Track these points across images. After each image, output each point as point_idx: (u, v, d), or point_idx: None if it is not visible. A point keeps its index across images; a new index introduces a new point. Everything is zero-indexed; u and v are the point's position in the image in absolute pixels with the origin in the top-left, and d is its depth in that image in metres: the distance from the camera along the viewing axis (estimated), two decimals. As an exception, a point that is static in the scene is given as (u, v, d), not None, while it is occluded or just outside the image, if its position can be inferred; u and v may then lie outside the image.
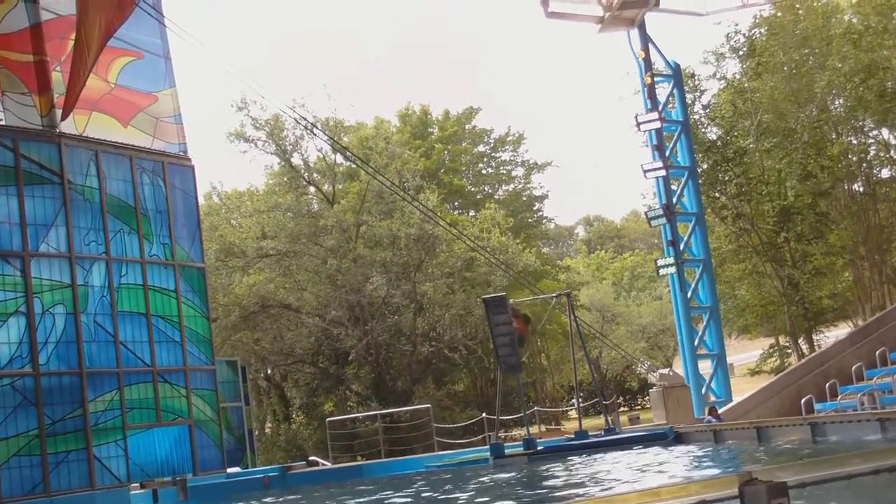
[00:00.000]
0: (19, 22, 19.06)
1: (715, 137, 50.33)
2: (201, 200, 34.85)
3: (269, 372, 54.49)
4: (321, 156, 51.85)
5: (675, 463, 18.42)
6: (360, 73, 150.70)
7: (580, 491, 15.14)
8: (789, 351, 51.92)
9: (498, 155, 70.25)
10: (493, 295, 26.74)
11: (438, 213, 46.18)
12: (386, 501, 17.42)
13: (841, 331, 48.35)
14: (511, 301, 27.21)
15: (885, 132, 48.90)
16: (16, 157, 18.10)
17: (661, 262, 37.45)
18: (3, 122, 18.43)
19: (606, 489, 14.52)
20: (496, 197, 66.79)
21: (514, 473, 20.10)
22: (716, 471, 16.18)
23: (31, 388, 17.56)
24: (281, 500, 19.83)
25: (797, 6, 47.48)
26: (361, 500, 18.56)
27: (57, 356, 18.07)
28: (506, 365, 25.75)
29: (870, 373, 31.47)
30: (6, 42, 19.01)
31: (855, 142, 48.55)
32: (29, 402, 17.50)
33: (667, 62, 38.86)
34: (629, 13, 37.70)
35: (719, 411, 31.25)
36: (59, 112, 19.01)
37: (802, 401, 30.91)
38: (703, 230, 38.59)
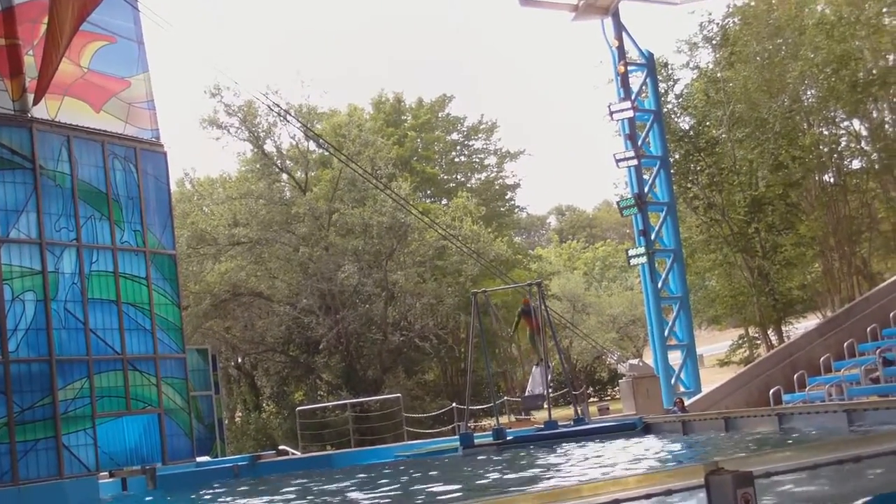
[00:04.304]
0: (-9, 5, 18.98)
1: (687, 127, 50.44)
2: (173, 187, 34.79)
3: (239, 360, 54.50)
4: (294, 143, 51.87)
5: (644, 453, 18.51)
6: (333, 62, 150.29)
7: (549, 480, 15.21)
8: (758, 342, 52.14)
9: (471, 143, 70.33)
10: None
11: (411, 202, 46.17)
12: (355, 490, 17.44)
13: (810, 322, 48.55)
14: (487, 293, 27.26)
15: (856, 123, 49.18)
16: (-14, 143, 18.05)
17: (632, 252, 37.53)
18: (-27, 107, 18.36)
19: (574, 478, 14.58)
20: (468, 185, 66.82)
21: (483, 463, 20.14)
22: (684, 461, 16.27)
23: (-1, 375, 17.51)
24: (250, 488, 19.81)
25: (770, -4, 47.73)
26: (331, 488, 18.58)
27: (27, 343, 18.05)
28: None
29: (838, 364, 31.62)
30: (-23, 26, 18.93)
31: (826, 132, 48.74)
32: (-3, 390, 17.47)
33: (640, 51, 38.89)
34: (603, 1, 37.65)
35: (686, 402, 31.36)
36: (30, 96, 18.96)
37: (771, 392, 31.06)
38: (675, 220, 38.68)
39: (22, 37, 19.26)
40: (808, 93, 47.85)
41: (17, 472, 17.52)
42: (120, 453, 19.69)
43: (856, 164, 50.14)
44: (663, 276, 37.70)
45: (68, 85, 20.08)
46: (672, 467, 13.31)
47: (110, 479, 20.28)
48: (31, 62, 19.24)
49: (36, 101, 19.03)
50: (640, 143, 37.66)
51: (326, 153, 49.67)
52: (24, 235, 18.39)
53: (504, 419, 28.85)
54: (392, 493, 15.79)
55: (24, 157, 18.66)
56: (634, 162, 37.09)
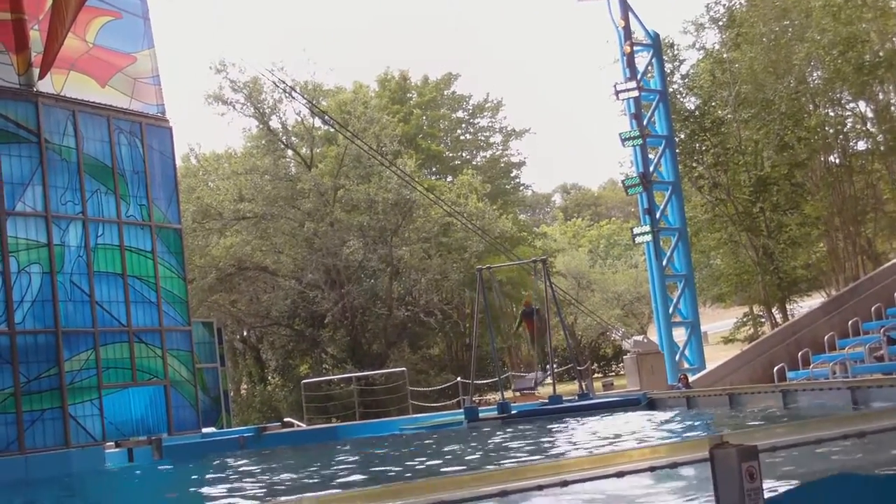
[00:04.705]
0: (-3, -21, 18.97)
1: (693, 107, 50.38)
2: (179, 162, 34.82)
3: (244, 334, 54.55)
4: (299, 119, 51.78)
5: (648, 428, 18.57)
6: (339, 37, 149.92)
7: (553, 453, 15.26)
8: (763, 320, 52.25)
9: (476, 121, 70.12)
10: None
11: (416, 179, 46.14)
12: (359, 462, 17.51)
13: (814, 301, 48.60)
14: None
15: (861, 105, 49.18)
16: (-7, 116, 18.08)
17: (637, 231, 37.59)
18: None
19: (579, 451, 14.64)
20: (474, 163, 66.72)
21: (488, 436, 20.21)
22: (688, 435, 16.31)
23: (6, 346, 17.60)
24: (255, 459, 19.89)
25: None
26: (335, 460, 18.64)
27: (33, 315, 18.12)
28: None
29: (842, 342, 31.68)
30: (-17, 0, 18.94)
31: (832, 114, 48.76)
32: (4, 361, 17.57)
33: (646, 31, 38.84)
34: (610, -19, 37.67)
35: (690, 379, 31.45)
36: (36, 71, 18.98)
37: (775, 369, 31.10)
38: (680, 199, 38.72)
39: (28, 11, 19.26)
40: (815, 74, 47.87)
41: (23, 441, 17.63)
42: (126, 424, 19.79)
43: (861, 146, 50.21)
44: (668, 254, 37.76)
45: (74, 60, 20.10)
46: (676, 441, 13.35)
47: (116, 450, 20.36)
48: (36, 37, 19.25)
49: (41, 76, 19.06)
50: (645, 122, 37.69)
51: (332, 130, 49.61)
52: (30, 208, 18.45)
53: (508, 394, 28.91)
54: (396, 465, 15.86)
55: (30, 131, 18.70)
56: (640, 141, 37.12)
